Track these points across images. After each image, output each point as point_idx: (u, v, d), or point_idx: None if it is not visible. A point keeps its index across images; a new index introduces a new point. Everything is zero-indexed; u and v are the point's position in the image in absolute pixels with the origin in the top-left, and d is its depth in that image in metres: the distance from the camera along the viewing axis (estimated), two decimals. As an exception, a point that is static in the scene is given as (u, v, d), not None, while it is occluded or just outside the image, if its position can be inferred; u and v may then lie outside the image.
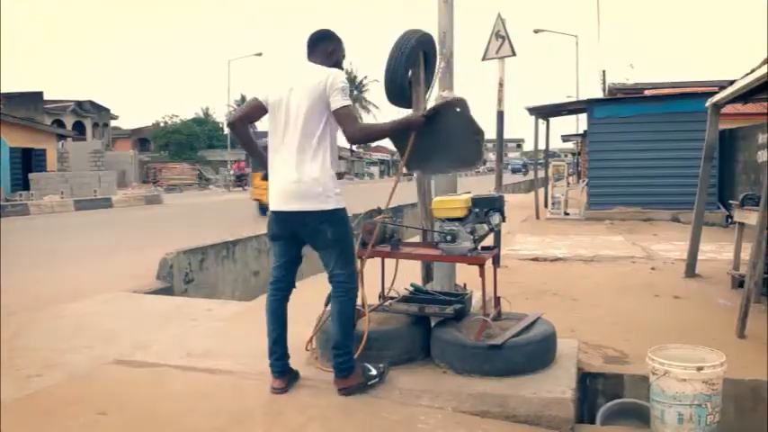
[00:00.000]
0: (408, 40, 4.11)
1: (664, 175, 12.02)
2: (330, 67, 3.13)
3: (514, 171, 60.00)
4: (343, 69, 3.26)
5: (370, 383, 3.09)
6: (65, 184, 21.65)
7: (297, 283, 3.29)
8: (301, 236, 3.09)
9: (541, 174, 16.58)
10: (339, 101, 2.97)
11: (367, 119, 65.65)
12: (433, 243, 3.65)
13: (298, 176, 2.98)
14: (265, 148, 3.19)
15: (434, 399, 2.98)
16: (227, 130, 49.92)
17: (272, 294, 3.20)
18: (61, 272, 7.43)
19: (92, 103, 40.60)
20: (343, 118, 3.00)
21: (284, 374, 3.15)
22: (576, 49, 43.12)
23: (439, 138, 3.46)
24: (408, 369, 3.31)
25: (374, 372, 3.13)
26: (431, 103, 4.44)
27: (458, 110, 3.47)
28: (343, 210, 3.08)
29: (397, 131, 3.41)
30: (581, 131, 25.81)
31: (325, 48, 3.18)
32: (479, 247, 3.44)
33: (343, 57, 3.29)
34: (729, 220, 10.70)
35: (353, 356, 3.12)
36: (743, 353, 3.74)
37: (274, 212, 3.10)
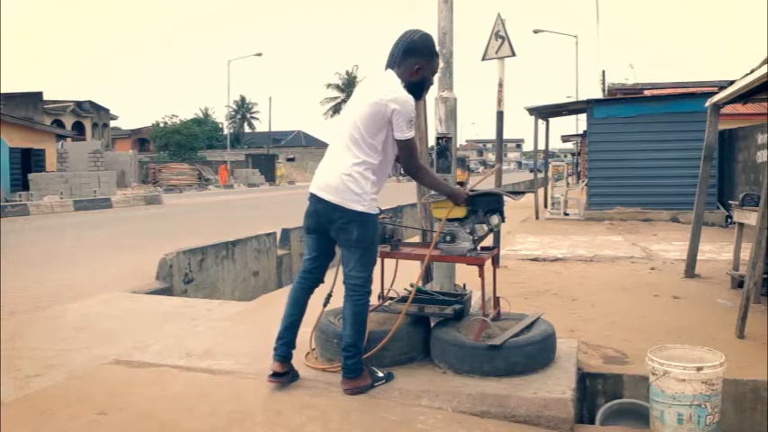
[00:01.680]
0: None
1: (663, 175, 12.04)
2: (415, 83, 3.08)
3: (531, 170, 61.22)
4: (426, 88, 3.22)
5: (376, 385, 3.11)
6: (64, 184, 21.63)
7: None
8: (329, 231, 3.10)
9: (541, 174, 16.61)
10: (405, 133, 2.97)
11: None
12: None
13: (341, 171, 3.00)
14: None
15: (434, 399, 2.98)
16: (226, 131, 50.11)
17: (299, 282, 3.25)
18: (61, 272, 7.43)
19: (91, 103, 40.63)
20: (405, 150, 3.03)
21: (285, 360, 3.16)
22: (576, 49, 42.97)
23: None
24: (408, 369, 3.32)
25: (381, 374, 3.16)
26: (430, 105, 4.46)
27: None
28: (374, 216, 3.09)
29: (439, 191, 3.36)
30: (581, 132, 25.85)
31: (412, 63, 3.08)
32: (479, 248, 3.45)
33: (432, 74, 3.20)
34: (729, 220, 10.71)
35: (361, 359, 3.14)
36: (743, 353, 3.74)
37: (310, 195, 3.12)
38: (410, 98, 2.99)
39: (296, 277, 3.32)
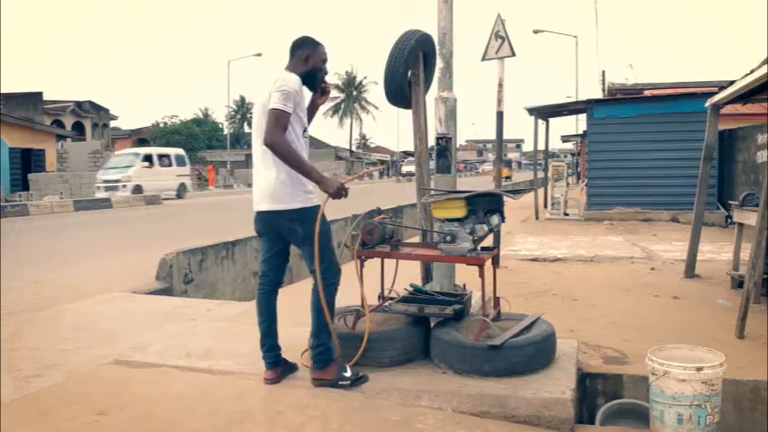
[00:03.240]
0: (408, 40, 4.12)
1: (663, 175, 12.05)
2: (308, 71, 3.19)
3: (543, 168, 61.77)
4: (321, 73, 3.26)
5: (340, 383, 3.12)
6: (64, 184, 21.65)
7: (294, 285, 3.32)
8: (281, 234, 3.21)
9: (541, 174, 16.61)
10: (272, 102, 3.01)
11: (366, 119, 66.41)
12: (433, 243, 3.65)
13: (267, 179, 3.13)
14: None
15: (434, 399, 2.98)
16: (226, 131, 50.13)
17: (260, 288, 3.32)
18: (61, 272, 7.43)
19: (91, 103, 40.58)
20: (270, 119, 3.00)
21: (275, 366, 3.24)
22: (576, 49, 42.80)
23: None
24: (408, 369, 3.32)
25: (348, 374, 3.15)
26: (430, 105, 4.46)
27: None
28: (314, 208, 3.13)
29: (306, 176, 3.12)
30: (581, 132, 25.84)
31: (300, 54, 3.23)
32: (479, 248, 3.45)
33: (323, 60, 3.27)
34: (729, 220, 10.72)
35: (331, 350, 3.18)
36: (742, 353, 3.74)
37: (255, 212, 3.24)
38: (289, 77, 3.07)
39: (257, 284, 3.38)
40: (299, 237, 3.13)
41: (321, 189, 3.10)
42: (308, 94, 3.32)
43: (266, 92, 3.08)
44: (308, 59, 3.22)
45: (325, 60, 3.29)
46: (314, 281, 3.16)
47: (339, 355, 3.24)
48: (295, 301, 3.35)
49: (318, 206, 3.15)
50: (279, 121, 2.98)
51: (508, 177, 41.87)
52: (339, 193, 3.07)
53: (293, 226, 3.12)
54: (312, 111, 3.40)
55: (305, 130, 3.20)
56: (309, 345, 3.22)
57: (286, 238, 3.22)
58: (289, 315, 3.37)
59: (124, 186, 22.14)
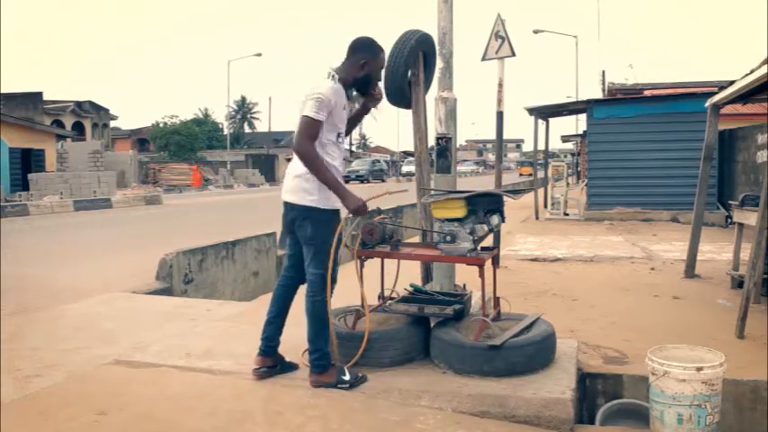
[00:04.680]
0: (408, 40, 4.11)
1: (663, 175, 12.06)
2: (363, 77, 3.16)
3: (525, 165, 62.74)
4: (375, 81, 3.23)
5: (339, 386, 3.13)
6: (64, 184, 21.61)
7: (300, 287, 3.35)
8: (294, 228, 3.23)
9: (541, 174, 16.61)
10: (306, 109, 3.03)
11: (367, 118, 66.69)
12: (433, 243, 3.66)
13: (295, 173, 3.16)
14: None
15: (434, 399, 2.98)
16: (226, 131, 50.15)
17: (279, 281, 3.40)
18: (61, 272, 7.43)
19: (91, 103, 40.62)
20: (300, 125, 3.05)
21: (266, 355, 3.28)
22: (576, 49, 42.70)
23: None
24: (408, 369, 3.32)
25: (347, 377, 3.16)
26: (430, 105, 4.46)
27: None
28: (328, 212, 3.12)
29: (331, 188, 3.09)
30: (581, 132, 25.84)
31: (358, 59, 3.18)
32: (479, 248, 3.45)
33: (380, 68, 3.26)
34: (729, 220, 10.72)
35: (328, 355, 3.18)
36: (742, 353, 3.75)
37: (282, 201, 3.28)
38: (324, 85, 3.05)
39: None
40: (307, 234, 3.13)
41: (343, 204, 3.12)
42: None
43: (302, 95, 3.08)
44: (364, 66, 3.18)
45: (382, 68, 3.27)
46: (309, 287, 3.17)
47: (336, 359, 3.25)
48: (299, 302, 3.35)
49: (336, 210, 3.16)
50: (308, 129, 3.02)
51: (530, 175, 42.42)
52: (360, 210, 3.12)
53: (304, 224, 3.13)
54: (362, 113, 3.45)
55: (339, 135, 3.18)
56: (308, 350, 3.23)
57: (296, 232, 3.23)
58: (291, 315, 3.37)
59: None
